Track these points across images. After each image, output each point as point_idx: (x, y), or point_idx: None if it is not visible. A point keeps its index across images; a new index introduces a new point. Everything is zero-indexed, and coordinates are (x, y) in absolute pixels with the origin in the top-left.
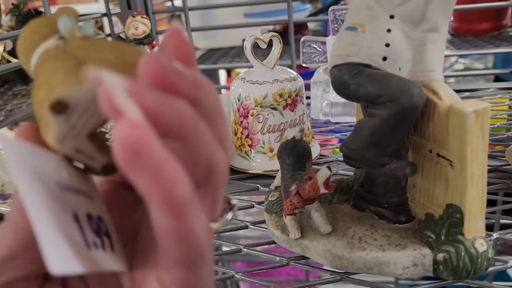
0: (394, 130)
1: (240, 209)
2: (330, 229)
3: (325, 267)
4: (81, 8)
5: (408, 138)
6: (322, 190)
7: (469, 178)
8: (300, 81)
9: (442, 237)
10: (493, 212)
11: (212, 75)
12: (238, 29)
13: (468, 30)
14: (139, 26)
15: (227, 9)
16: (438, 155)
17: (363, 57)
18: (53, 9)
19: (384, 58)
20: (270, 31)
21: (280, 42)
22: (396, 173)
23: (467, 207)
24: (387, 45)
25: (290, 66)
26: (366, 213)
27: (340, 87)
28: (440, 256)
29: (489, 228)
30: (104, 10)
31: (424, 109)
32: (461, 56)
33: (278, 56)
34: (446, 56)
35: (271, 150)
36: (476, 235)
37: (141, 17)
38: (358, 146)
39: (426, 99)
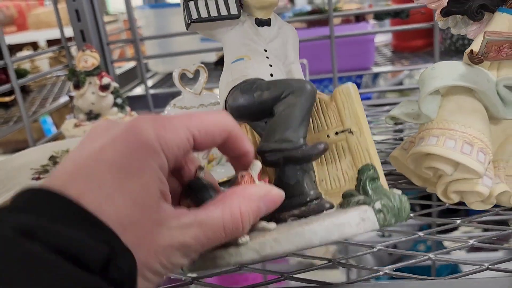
0: (304, 111)
1: None
2: (275, 225)
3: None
4: (49, 33)
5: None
6: (258, 183)
7: (368, 134)
8: None
9: (370, 192)
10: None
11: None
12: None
13: (405, 47)
14: (88, 59)
15: (184, 35)
16: (336, 133)
17: (256, 76)
18: (24, 35)
19: (271, 75)
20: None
21: (206, 72)
22: (313, 152)
23: (375, 160)
24: (271, 75)
25: None
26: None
27: (243, 98)
28: (378, 205)
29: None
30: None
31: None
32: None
33: (204, 84)
34: (389, 72)
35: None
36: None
37: (90, 51)
38: (276, 137)
39: None
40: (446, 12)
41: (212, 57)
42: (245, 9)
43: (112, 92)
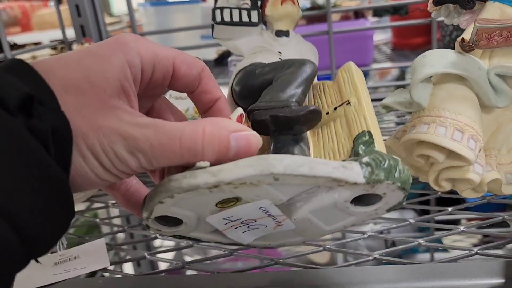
0: (301, 77)
1: None
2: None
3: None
4: (53, 34)
5: None
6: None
7: (368, 103)
8: None
9: (361, 153)
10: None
11: None
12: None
13: (405, 44)
14: None
15: (185, 31)
16: (334, 109)
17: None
18: (28, 35)
19: None
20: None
21: None
22: (301, 111)
23: (372, 127)
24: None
25: None
26: None
27: (246, 77)
28: (365, 159)
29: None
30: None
31: (315, 92)
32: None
33: None
34: (385, 68)
35: None
36: None
37: (89, 44)
38: (267, 98)
39: (313, 85)
40: (438, 1)
41: (212, 55)
42: (268, 25)
43: None
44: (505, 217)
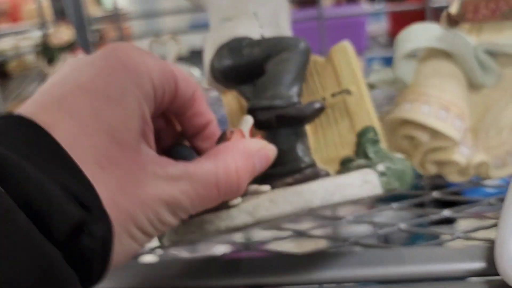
0: (298, 66)
1: None
2: (268, 187)
3: None
4: None
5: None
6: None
7: (367, 95)
8: (196, 78)
9: (371, 155)
10: None
11: None
12: (183, 38)
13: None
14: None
15: (173, 19)
16: (332, 95)
17: (246, 35)
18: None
19: (262, 37)
20: None
21: (176, 43)
22: (308, 110)
23: (375, 122)
24: (262, 37)
25: None
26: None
27: (231, 55)
28: (381, 167)
29: None
30: None
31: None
32: None
33: (175, 55)
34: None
35: None
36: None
37: (66, 28)
38: (268, 94)
39: None
40: None
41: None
42: None
43: None
44: (490, 201)
